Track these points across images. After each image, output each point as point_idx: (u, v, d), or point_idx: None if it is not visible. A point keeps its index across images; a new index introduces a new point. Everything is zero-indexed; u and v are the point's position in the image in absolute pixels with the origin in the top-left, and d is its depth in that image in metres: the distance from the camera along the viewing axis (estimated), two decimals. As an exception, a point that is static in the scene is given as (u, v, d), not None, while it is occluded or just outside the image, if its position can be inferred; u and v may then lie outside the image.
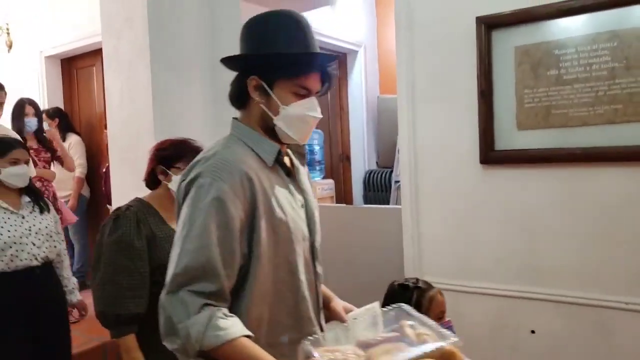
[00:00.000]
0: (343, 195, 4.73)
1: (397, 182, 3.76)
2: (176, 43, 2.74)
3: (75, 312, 2.35)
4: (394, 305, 1.20)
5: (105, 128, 3.62)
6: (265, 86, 1.10)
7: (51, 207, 2.25)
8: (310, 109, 1.13)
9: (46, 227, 2.13)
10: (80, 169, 3.78)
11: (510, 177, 2.03)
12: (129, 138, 2.79)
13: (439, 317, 1.62)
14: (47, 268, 2.12)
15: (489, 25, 2.03)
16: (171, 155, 1.76)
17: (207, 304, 0.98)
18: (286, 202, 1.12)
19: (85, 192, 3.92)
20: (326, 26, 4.02)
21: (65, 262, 2.26)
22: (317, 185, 4.30)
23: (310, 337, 1.06)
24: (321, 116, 1.15)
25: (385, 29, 4.51)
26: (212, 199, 1.01)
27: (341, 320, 1.28)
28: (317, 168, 4.50)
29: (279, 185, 1.12)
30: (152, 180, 1.81)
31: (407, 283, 1.69)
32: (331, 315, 1.31)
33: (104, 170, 3.63)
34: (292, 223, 1.10)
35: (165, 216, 1.76)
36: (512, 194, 2.04)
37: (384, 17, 4.62)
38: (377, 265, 2.72)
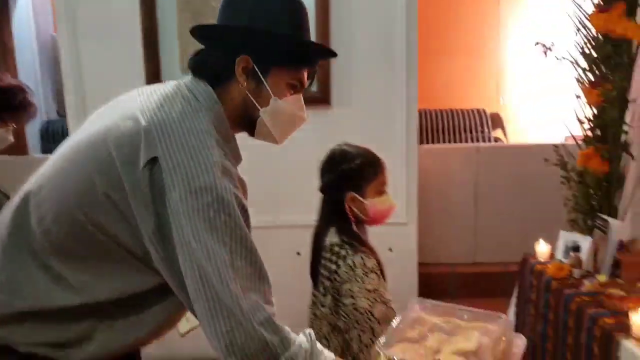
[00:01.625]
0: (16, 149, 4.12)
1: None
2: None
3: None
4: None
5: None
6: (258, 71, 0.92)
7: None
8: (301, 108, 0.99)
9: None
10: None
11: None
12: None
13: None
14: None
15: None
16: (3, 103, 1.35)
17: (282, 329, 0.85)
18: None
19: None
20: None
21: None
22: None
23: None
24: (306, 119, 1.02)
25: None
26: (239, 205, 0.84)
27: None
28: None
29: None
30: None
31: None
32: None
33: None
34: None
35: None
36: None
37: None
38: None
